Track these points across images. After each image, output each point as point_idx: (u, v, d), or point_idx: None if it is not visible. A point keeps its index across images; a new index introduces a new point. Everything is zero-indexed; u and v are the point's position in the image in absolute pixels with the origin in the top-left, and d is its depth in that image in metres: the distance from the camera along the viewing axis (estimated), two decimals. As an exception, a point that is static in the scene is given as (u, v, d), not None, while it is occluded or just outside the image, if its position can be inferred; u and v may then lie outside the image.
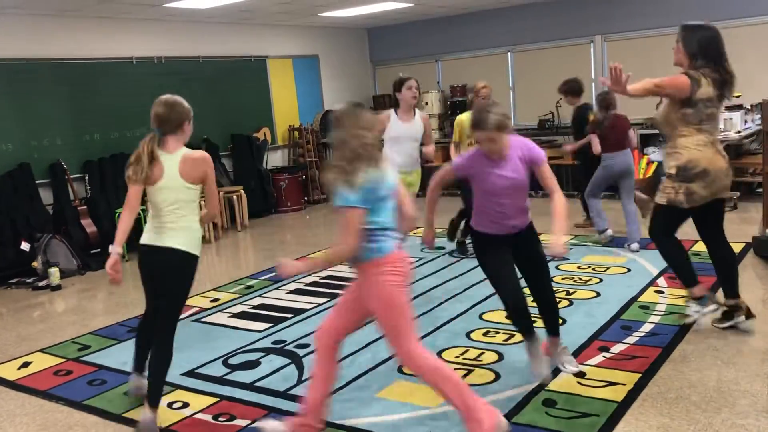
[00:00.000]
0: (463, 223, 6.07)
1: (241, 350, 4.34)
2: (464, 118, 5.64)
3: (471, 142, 5.62)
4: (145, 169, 3.17)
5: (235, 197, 8.48)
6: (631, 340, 3.95)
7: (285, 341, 4.41)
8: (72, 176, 7.41)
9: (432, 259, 6.16)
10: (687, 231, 6.42)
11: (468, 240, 6.05)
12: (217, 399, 3.63)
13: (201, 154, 3.32)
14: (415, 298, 5.07)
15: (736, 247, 5.67)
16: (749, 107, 8.01)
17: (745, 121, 7.83)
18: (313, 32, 10.51)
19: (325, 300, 5.17)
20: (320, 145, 10.15)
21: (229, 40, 9.26)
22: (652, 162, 8.23)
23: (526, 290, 3.44)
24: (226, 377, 3.92)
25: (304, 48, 10.42)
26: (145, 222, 3.33)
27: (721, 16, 8.38)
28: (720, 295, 4.09)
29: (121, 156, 7.87)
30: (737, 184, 7.80)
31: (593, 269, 5.42)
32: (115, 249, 3.16)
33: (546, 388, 3.43)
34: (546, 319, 3.53)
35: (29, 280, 6.52)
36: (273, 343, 4.42)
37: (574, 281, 5.18)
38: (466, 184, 5.45)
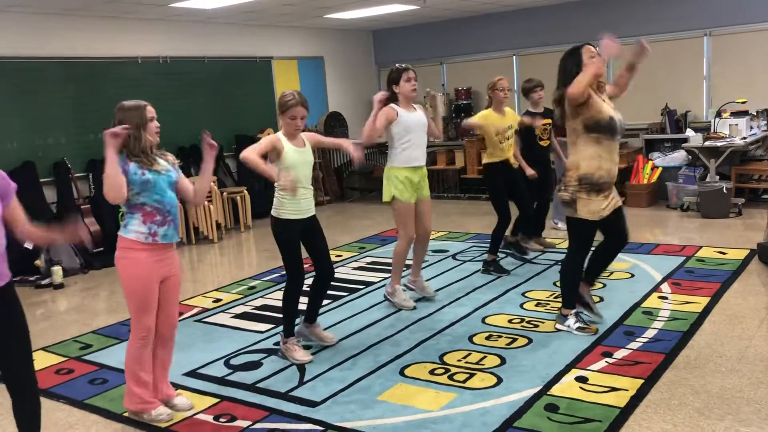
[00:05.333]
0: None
1: (242, 351, 4.33)
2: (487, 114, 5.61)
3: (503, 138, 5.57)
4: None
5: (238, 198, 8.48)
6: (634, 345, 3.93)
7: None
8: (76, 175, 7.42)
9: (434, 263, 6.15)
10: (692, 237, 6.45)
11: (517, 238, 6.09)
12: (219, 399, 3.63)
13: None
14: (417, 301, 5.06)
15: (741, 254, 5.66)
16: (755, 113, 7.99)
17: (751, 128, 7.80)
18: (319, 34, 10.52)
19: (328, 301, 5.16)
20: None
21: (234, 41, 9.27)
22: (657, 167, 8.23)
23: None
24: (227, 378, 3.92)
25: (310, 49, 10.42)
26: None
27: (727, 21, 8.38)
28: None
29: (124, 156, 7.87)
30: (742, 190, 7.80)
31: (597, 274, 5.40)
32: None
33: (548, 393, 3.41)
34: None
35: (32, 279, 6.52)
36: (275, 344, 4.40)
37: (578, 286, 5.15)
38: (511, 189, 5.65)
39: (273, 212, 4.01)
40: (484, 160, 5.72)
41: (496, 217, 5.61)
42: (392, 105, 4.70)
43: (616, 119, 3.87)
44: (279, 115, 3.99)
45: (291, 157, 3.93)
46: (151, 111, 3.36)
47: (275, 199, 4.01)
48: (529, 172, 5.84)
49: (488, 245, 5.73)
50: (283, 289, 4.16)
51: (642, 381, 3.45)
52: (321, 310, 4.90)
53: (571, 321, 4.18)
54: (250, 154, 3.80)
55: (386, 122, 4.64)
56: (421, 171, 4.81)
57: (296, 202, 3.96)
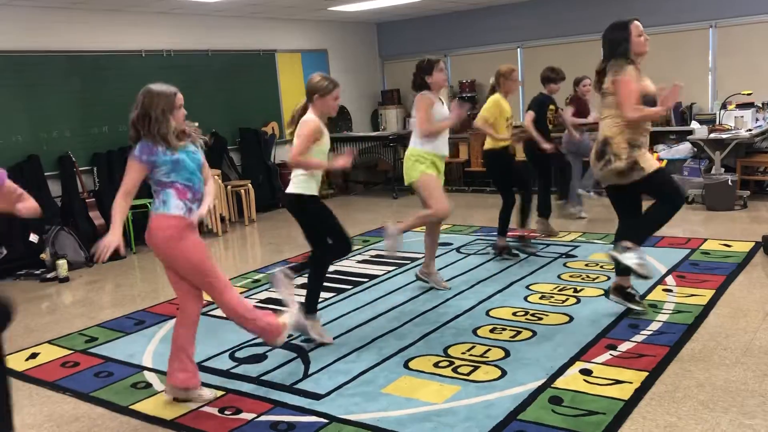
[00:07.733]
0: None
1: (247, 344, 4.34)
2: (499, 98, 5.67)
3: (509, 124, 5.70)
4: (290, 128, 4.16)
5: (242, 191, 8.49)
6: (638, 338, 3.92)
7: (291, 335, 4.41)
8: (80, 168, 7.44)
9: (439, 255, 6.14)
10: (696, 230, 6.43)
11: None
12: (224, 392, 3.64)
13: (307, 116, 4.01)
14: (422, 294, 5.07)
15: (746, 246, 5.64)
16: (760, 105, 7.95)
17: (756, 119, 7.77)
18: (322, 27, 10.50)
19: (332, 294, 5.16)
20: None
21: (237, 34, 9.26)
22: (662, 160, 8.20)
23: None
24: (232, 371, 3.93)
25: (313, 42, 10.40)
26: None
27: (732, 13, 8.33)
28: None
29: (128, 149, 7.88)
30: (748, 182, 7.77)
31: (601, 267, 5.39)
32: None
33: (552, 385, 3.42)
34: None
35: (37, 272, 6.54)
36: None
37: (582, 279, 5.16)
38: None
39: (298, 190, 4.06)
40: (487, 146, 5.81)
41: (498, 212, 5.79)
42: (427, 93, 4.78)
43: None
44: (317, 98, 4.05)
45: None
46: (180, 99, 3.44)
47: (299, 179, 4.07)
48: (545, 145, 6.14)
49: (496, 232, 5.93)
50: (315, 264, 4.19)
51: (646, 374, 3.45)
52: (324, 304, 4.92)
53: (633, 254, 4.05)
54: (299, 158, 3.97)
55: (430, 107, 4.74)
56: (443, 161, 4.93)
57: (318, 181, 4.14)
